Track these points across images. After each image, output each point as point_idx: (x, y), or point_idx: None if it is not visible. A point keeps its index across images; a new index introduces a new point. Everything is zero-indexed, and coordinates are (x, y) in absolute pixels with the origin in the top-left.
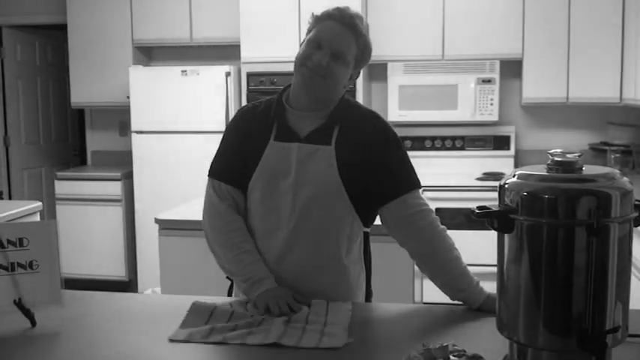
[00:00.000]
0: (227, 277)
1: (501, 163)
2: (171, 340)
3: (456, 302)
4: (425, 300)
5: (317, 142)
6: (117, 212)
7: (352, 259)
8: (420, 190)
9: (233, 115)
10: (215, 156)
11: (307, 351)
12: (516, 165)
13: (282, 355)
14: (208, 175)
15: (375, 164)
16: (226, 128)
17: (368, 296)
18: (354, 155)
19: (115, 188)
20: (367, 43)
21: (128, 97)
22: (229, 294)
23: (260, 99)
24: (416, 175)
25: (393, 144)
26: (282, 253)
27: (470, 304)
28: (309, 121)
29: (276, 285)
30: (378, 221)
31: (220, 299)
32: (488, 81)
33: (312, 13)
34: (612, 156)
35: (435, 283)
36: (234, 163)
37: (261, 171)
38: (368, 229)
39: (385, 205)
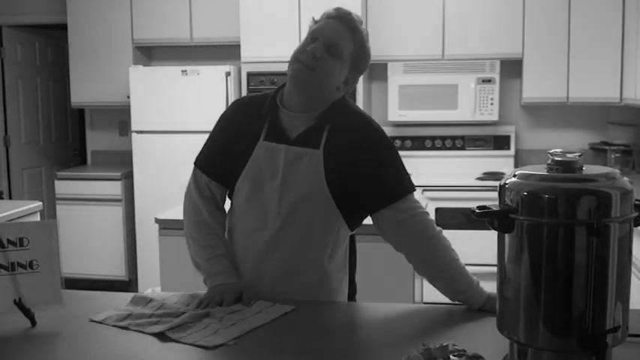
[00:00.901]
0: None
1: (501, 162)
2: (91, 320)
3: (455, 302)
4: (425, 300)
5: (306, 145)
6: (117, 212)
7: (335, 264)
8: (416, 193)
9: (228, 106)
10: (204, 145)
11: (303, 344)
12: (516, 165)
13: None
14: (194, 163)
15: (365, 170)
16: (219, 118)
17: (353, 295)
18: (343, 160)
19: (115, 188)
20: (364, 44)
21: (128, 97)
22: None
23: (257, 93)
24: (409, 180)
25: (385, 149)
26: (265, 253)
27: (471, 305)
28: (300, 122)
29: (232, 281)
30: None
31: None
32: (489, 81)
33: (313, 18)
34: (612, 156)
35: (435, 286)
36: (219, 158)
37: (249, 170)
38: (353, 233)
39: (379, 211)
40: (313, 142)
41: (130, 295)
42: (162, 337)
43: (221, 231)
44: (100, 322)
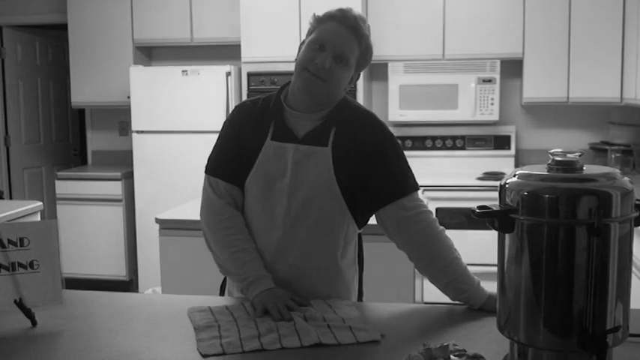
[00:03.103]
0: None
1: (502, 162)
2: (205, 356)
3: (456, 302)
4: (425, 300)
5: (314, 144)
6: (117, 212)
7: (347, 261)
8: (419, 192)
9: (231, 111)
10: (212, 152)
11: (317, 351)
12: (517, 165)
13: (288, 357)
14: (205, 172)
15: (372, 167)
16: (223, 124)
17: (359, 296)
18: (351, 158)
19: (115, 188)
20: (369, 45)
21: (128, 97)
22: (222, 290)
23: (259, 96)
24: (414, 178)
25: (391, 147)
26: (277, 252)
27: (471, 305)
28: (306, 121)
29: (274, 285)
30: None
31: (214, 301)
32: (489, 81)
33: (314, 14)
34: (613, 156)
35: (436, 285)
36: (232, 161)
37: (257, 170)
38: (360, 231)
39: (383, 208)
40: (321, 140)
41: (129, 295)
42: (163, 337)
43: (249, 235)
44: (221, 354)
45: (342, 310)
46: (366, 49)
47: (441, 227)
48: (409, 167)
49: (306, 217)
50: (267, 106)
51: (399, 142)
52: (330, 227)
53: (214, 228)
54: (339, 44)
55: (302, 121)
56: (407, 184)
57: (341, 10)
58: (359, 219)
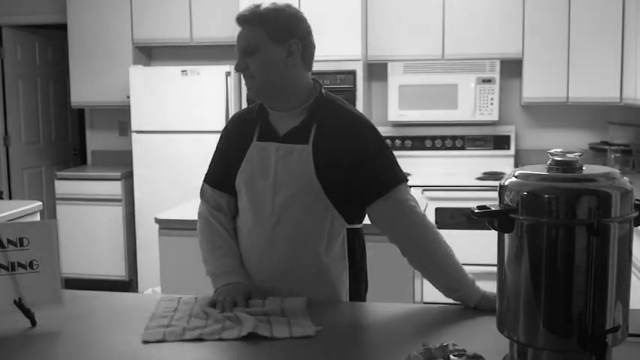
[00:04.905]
0: None
1: (501, 162)
2: (145, 342)
3: (456, 302)
4: (425, 300)
5: (294, 142)
6: (117, 212)
7: (333, 257)
8: (416, 193)
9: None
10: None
11: (303, 345)
12: (516, 165)
13: (284, 352)
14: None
15: (356, 164)
16: (220, 133)
17: (362, 291)
18: (332, 155)
19: (115, 188)
20: (267, 15)
21: (128, 97)
22: None
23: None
24: (400, 171)
25: (374, 143)
26: (263, 251)
27: (466, 304)
28: (288, 120)
29: (239, 281)
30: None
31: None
32: (489, 81)
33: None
34: (612, 156)
35: (429, 280)
36: (220, 167)
37: (244, 172)
38: (359, 226)
39: (373, 204)
40: (302, 138)
41: (129, 295)
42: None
43: (229, 235)
44: (161, 341)
45: (289, 304)
46: (265, 22)
47: (432, 223)
48: (395, 160)
49: (289, 214)
50: (254, 111)
51: (399, 142)
52: (313, 224)
53: (199, 231)
54: (240, 41)
55: (284, 120)
56: (393, 178)
57: (237, 16)
58: (348, 214)
